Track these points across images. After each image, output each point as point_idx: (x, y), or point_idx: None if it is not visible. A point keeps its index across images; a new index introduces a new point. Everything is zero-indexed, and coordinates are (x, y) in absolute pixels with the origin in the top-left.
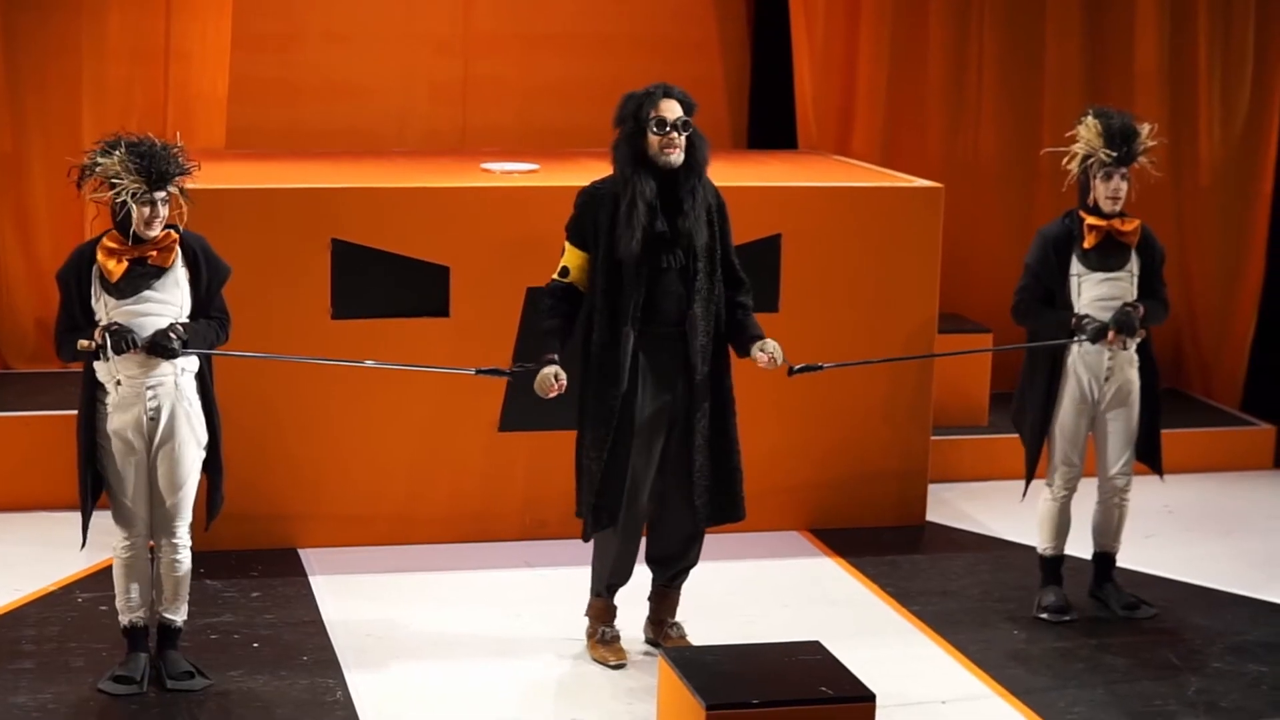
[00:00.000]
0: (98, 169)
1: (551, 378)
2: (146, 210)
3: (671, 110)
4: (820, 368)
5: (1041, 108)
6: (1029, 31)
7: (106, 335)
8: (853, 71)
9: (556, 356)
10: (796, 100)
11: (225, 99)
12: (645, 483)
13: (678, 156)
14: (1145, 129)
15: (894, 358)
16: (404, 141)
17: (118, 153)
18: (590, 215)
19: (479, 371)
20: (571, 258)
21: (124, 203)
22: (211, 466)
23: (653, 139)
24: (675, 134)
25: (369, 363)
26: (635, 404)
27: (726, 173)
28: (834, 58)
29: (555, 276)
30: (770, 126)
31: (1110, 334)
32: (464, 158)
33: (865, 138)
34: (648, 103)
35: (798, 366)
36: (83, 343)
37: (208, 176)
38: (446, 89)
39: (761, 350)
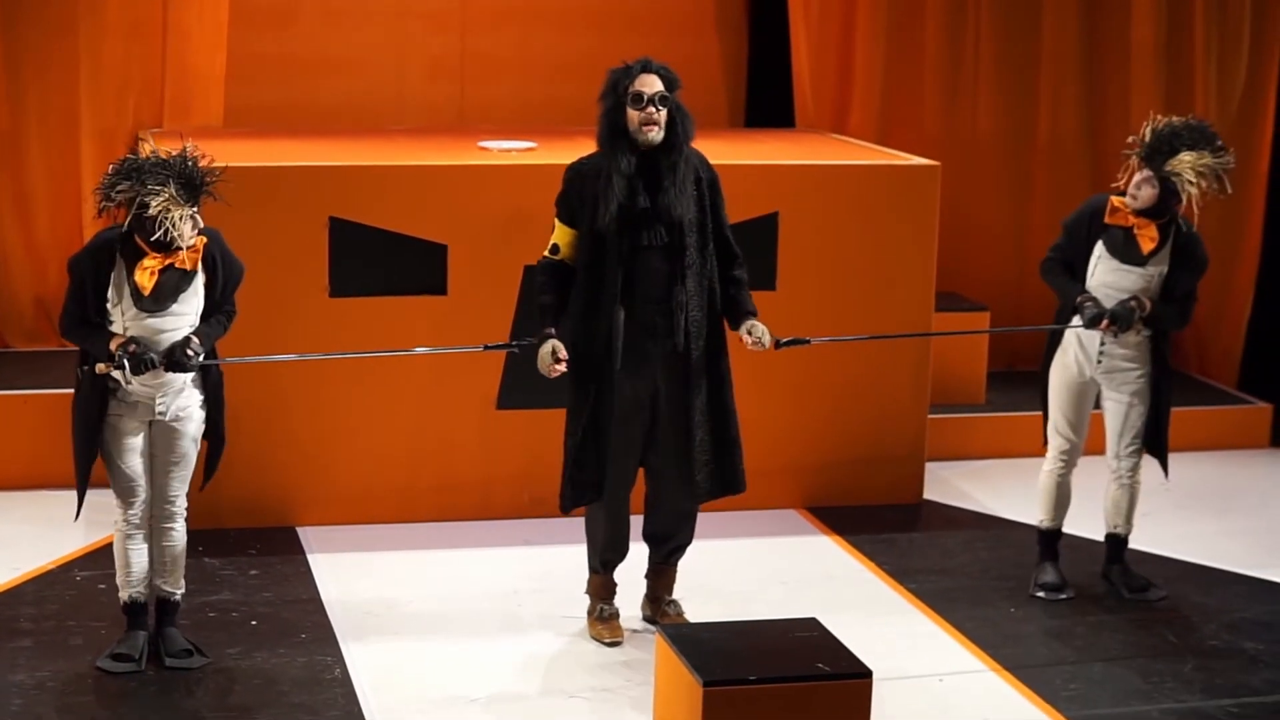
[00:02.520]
0: (151, 205)
1: (549, 356)
2: (188, 226)
3: (650, 85)
4: (807, 342)
5: (1039, 86)
6: (1026, 9)
7: (125, 359)
8: (850, 49)
9: (554, 331)
10: (794, 78)
11: (223, 76)
12: (628, 459)
13: (656, 133)
14: (1195, 156)
15: (881, 335)
16: (401, 118)
17: (168, 190)
18: (576, 191)
19: (487, 347)
20: (560, 234)
21: (163, 223)
22: (213, 438)
23: (631, 114)
24: (653, 109)
25: (377, 353)
26: (615, 382)
27: (723, 151)
28: (831, 35)
29: (546, 254)
30: (767, 104)
31: (1104, 323)
32: (462, 136)
33: (862, 116)
34: (626, 78)
35: (784, 340)
36: (101, 367)
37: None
38: (444, 66)
39: (749, 334)
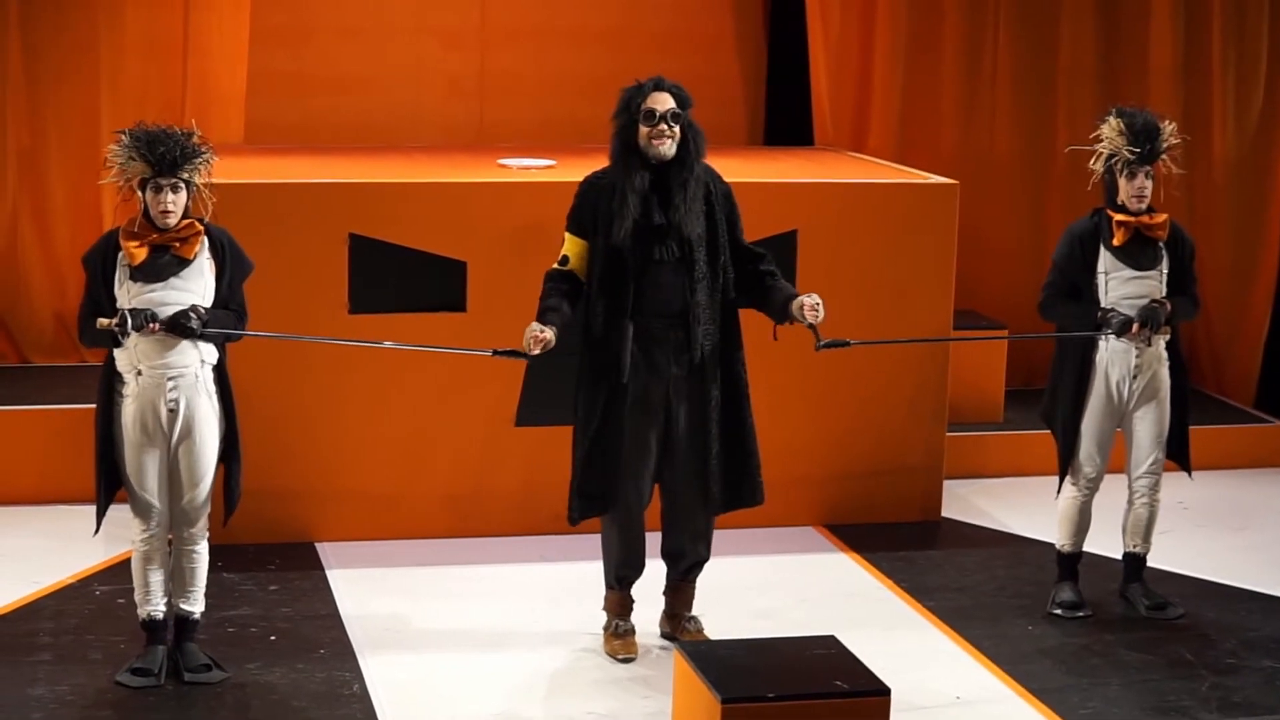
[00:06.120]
0: (110, 156)
1: (535, 329)
2: (154, 196)
3: (662, 102)
4: (848, 344)
5: (1056, 104)
6: (1044, 28)
7: (127, 314)
8: (868, 68)
9: (554, 326)
10: (812, 97)
11: (243, 94)
12: (640, 473)
13: (668, 148)
14: (1167, 126)
15: (924, 339)
16: (420, 136)
17: (123, 139)
18: (589, 205)
19: (496, 353)
20: (571, 246)
21: (139, 190)
22: (230, 459)
23: (643, 130)
24: (664, 125)
25: (387, 343)
26: (625, 395)
27: (742, 169)
28: (850, 54)
29: (556, 265)
30: (786, 123)
31: (1134, 327)
32: (481, 153)
33: (881, 134)
34: (638, 95)
35: (824, 341)
36: (102, 321)
37: (226, 171)
38: (463, 83)
39: (805, 304)
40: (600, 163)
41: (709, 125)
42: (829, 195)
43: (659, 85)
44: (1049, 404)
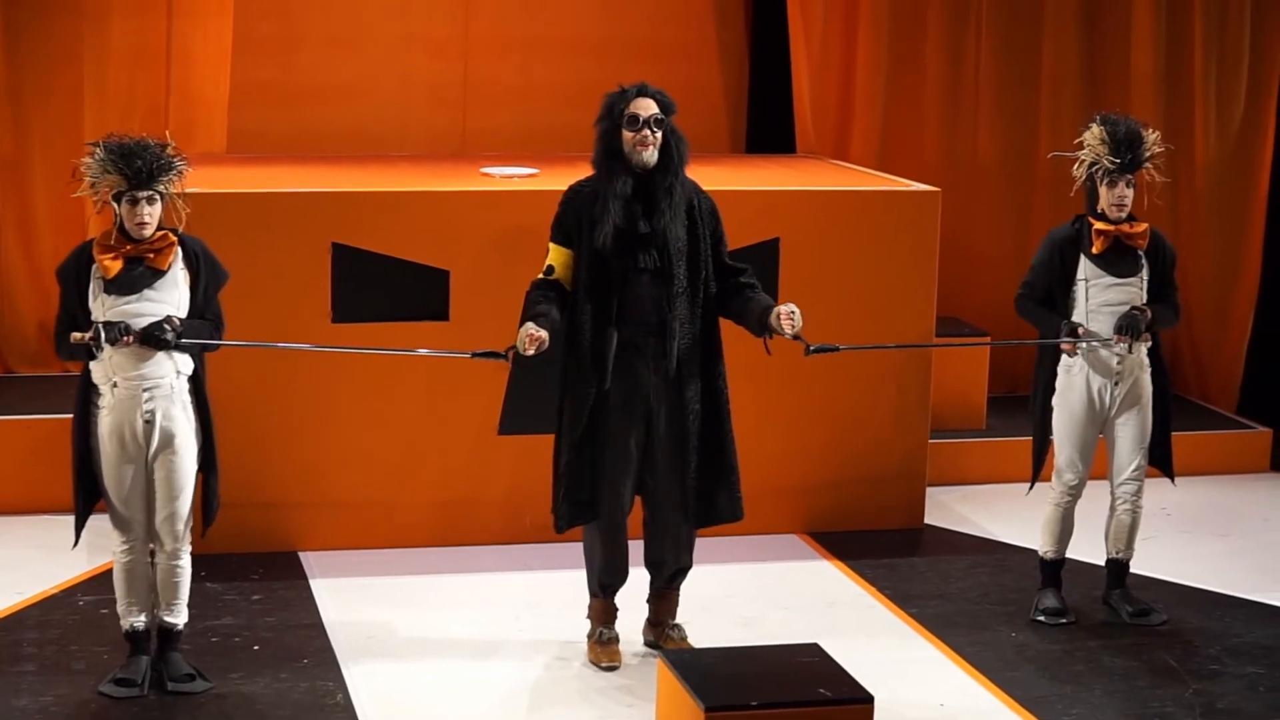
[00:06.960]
0: (82, 168)
1: (531, 328)
2: (130, 209)
3: (645, 108)
4: (837, 349)
5: (1039, 112)
6: (1026, 35)
7: (100, 327)
8: (850, 76)
9: (546, 330)
10: (794, 104)
11: (226, 102)
12: (622, 481)
13: (650, 154)
14: (1150, 135)
15: (911, 344)
16: (404, 145)
17: (98, 152)
18: (573, 213)
19: (475, 355)
20: (556, 255)
21: (114, 202)
22: (208, 470)
23: (626, 136)
24: (648, 131)
25: (364, 349)
26: (608, 403)
27: (725, 177)
28: (832, 62)
29: (541, 275)
30: (768, 130)
31: (1116, 336)
32: (464, 162)
33: (863, 141)
34: (622, 101)
35: (813, 347)
36: (76, 335)
37: (209, 180)
38: (446, 92)
39: (781, 315)
40: (583, 171)
41: (692, 133)
42: (811, 203)
43: (643, 91)
44: (1030, 404)
